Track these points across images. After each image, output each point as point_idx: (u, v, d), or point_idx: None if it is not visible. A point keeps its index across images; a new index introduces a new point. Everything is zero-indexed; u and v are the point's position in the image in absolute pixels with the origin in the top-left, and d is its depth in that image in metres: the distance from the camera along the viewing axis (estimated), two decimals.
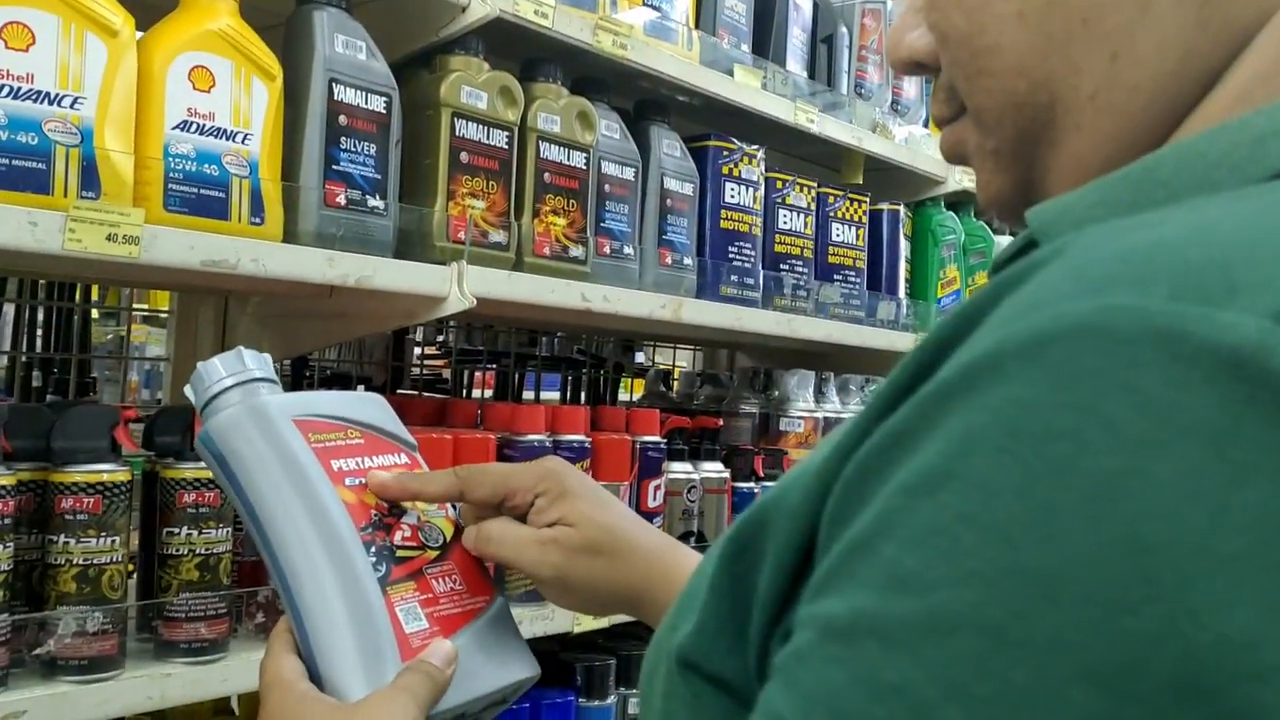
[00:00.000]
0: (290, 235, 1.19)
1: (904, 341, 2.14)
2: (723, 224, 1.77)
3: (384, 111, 1.27)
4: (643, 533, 0.80)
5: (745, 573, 0.44)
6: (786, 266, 1.91)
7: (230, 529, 1.16)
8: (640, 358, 2.77)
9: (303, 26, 1.23)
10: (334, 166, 1.23)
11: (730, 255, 1.77)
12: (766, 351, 2.40)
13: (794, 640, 0.37)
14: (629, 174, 1.61)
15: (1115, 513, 0.31)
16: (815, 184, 1.98)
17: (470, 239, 1.35)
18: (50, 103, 0.99)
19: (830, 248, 2.02)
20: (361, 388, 2.11)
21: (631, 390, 2.62)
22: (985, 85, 0.49)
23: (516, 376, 2.35)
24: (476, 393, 2.44)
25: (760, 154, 1.83)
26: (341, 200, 1.23)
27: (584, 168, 1.53)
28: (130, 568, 1.14)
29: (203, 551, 1.13)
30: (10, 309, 1.98)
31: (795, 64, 1.93)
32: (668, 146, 1.69)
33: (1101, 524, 0.31)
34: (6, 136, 0.97)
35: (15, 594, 1.03)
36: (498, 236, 1.40)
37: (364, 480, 0.76)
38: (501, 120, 1.41)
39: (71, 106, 1.00)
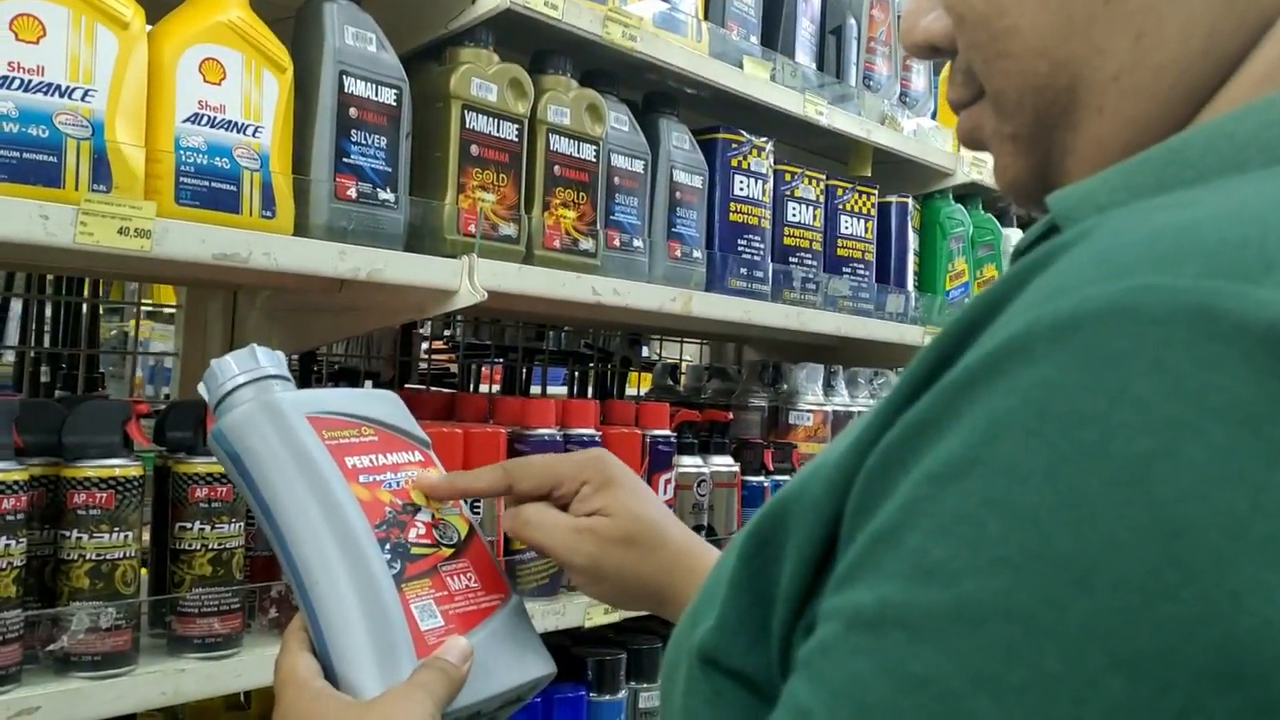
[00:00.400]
0: (301, 228, 1.18)
1: (912, 334, 2.13)
2: (732, 217, 1.77)
3: (394, 104, 1.27)
4: (674, 528, 0.80)
5: (766, 567, 0.43)
6: (795, 259, 1.90)
7: (243, 524, 1.16)
8: (644, 352, 2.76)
9: (313, 18, 1.23)
10: (345, 159, 1.22)
11: (739, 248, 1.77)
12: (774, 345, 2.39)
13: (818, 633, 0.37)
14: (638, 167, 1.60)
15: (1148, 496, 0.31)
16: (824, 176, 1.97)
17: (481, 232, 1.35)
18: (61, 95, 0.99)
19: (839, 240, 2.01)
20: (369, 383, 2.11)
21: (639, 385, 2.62)
22: (1004, 68, 0.48)
23: (524, 371, 2.34)
24: (484, 388, 2.43)
25: (769, 146, 1.82)
26: (352, 193, 1.22)
27: (594, 160, 1.52)
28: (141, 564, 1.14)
29: (215, 546, 1.13)
30: (18, 304, 1.98)
31: (804, 56, 1.92)
32: (677, 139, 1.68)
33: (1134, 507, 0.31)
34: (17, 129, 0.96)
35: (28, 590, 1.02)
36: (508, 229, 1.39)
37: (378, 477, 0.75)
38: (511, 113, 1.40)
39: (82, 99, 1.00)
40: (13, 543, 0.98)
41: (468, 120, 1.35)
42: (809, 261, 1.92)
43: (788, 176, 1.89)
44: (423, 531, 0.75)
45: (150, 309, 2.67)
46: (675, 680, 0.50)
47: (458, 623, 0.72)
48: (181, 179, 1.07)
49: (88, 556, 1.04)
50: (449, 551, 0.76)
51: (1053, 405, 0.32)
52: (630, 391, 2.57)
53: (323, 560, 0.71)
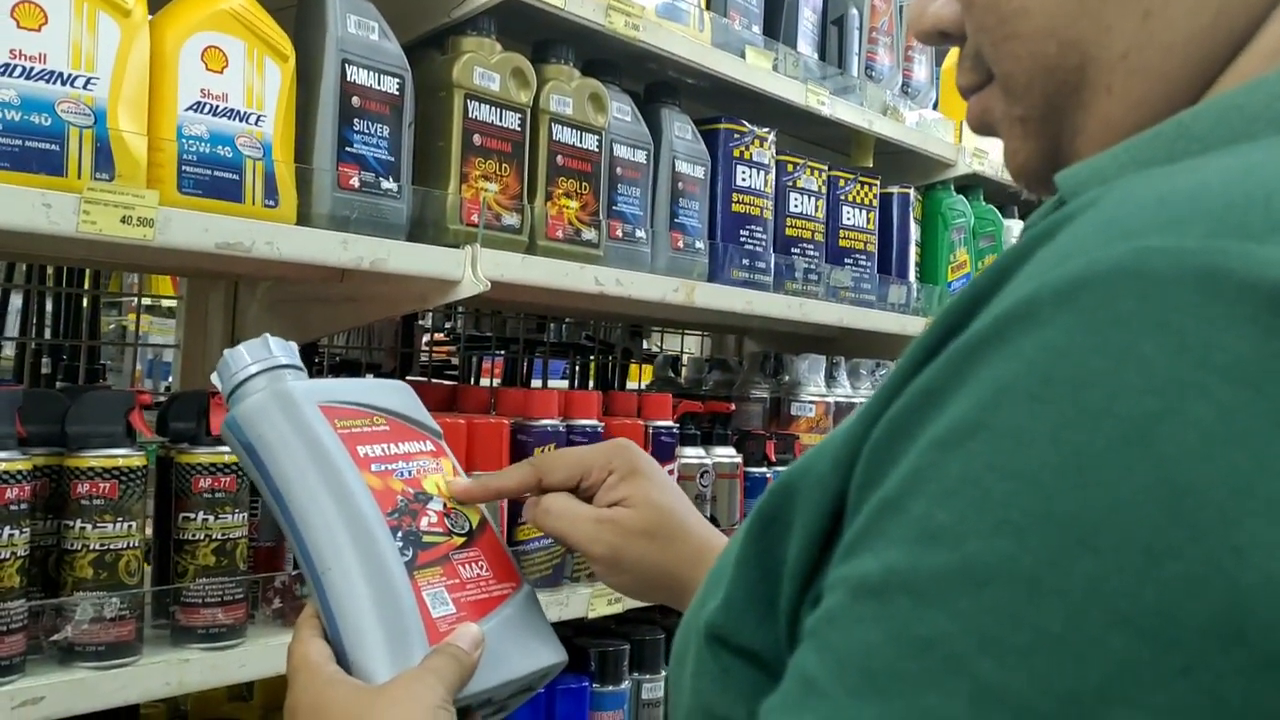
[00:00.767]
0: (304, 218, 1.18)
1: (914, 325, 2.13)
2: (734, 207, 1.76)
3: (397, 93, 1.26)
4: (694, 520, 0.81)
5: (773, 544, 0.44)
6: (798, 250, 1.90)
7: (246, 514, 1.15)
8: (645, 344, 2.76)
9: (315, 7, 1.22)
10: (347, 148, 1.22)
11: (742, 239, 1.76)
12: (774, 336, 2.39)
13: (825, 603, 0.37)
14: (641, 157, 1.60)
15: (1153, 455, 0.31)
16: (826, 167, 1.97)
17: (484, 222, 1.34)
18: (63, 83, 0.98)
19: (841, 231, 2.01)
20: (370, 375, 2.11)
21: (640, 377, 2.61)
22: (1013, 50, 0.48)
23: (525, 362, 2.34)
24: (485, 380, 2.43)
25: (771, 137, 1.82)
26: (355, 183, 1.22)
27: (596, 150, 1.51)
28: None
29: (219, 536, 1.12)
30: (18, 297, 1.97)
31: (806, 46, 1.91)
32: (679, 129, 1.68)
33: (1138, 467, 0.31)
34: (19, 117, 0.96)
35: (31, 580, 1.02)
36: (510, 219, 1.39)
37: (390, 466, 0.75)
38: (514, 102, 1.40)
39: (84, 87, 0.99)
40: (16, 532, 0.98)
41: (470, 109, 1.35)
42: (811, 252, 1.92)
43: (790, 167, 1.89)
44: (434, 520, 0.75)
45: (148, 303, 2.67)
46: (684, 662, 0.50)
47: (469, 610, 0.72)
48: (184, 168, 1.07)
49: (91, 546, 1.03)
50: (461, 540, 0.76)
51: (1057, 368, 0.33)
52: (631, 384, 2.57)
53: (335, 548, 0.71)
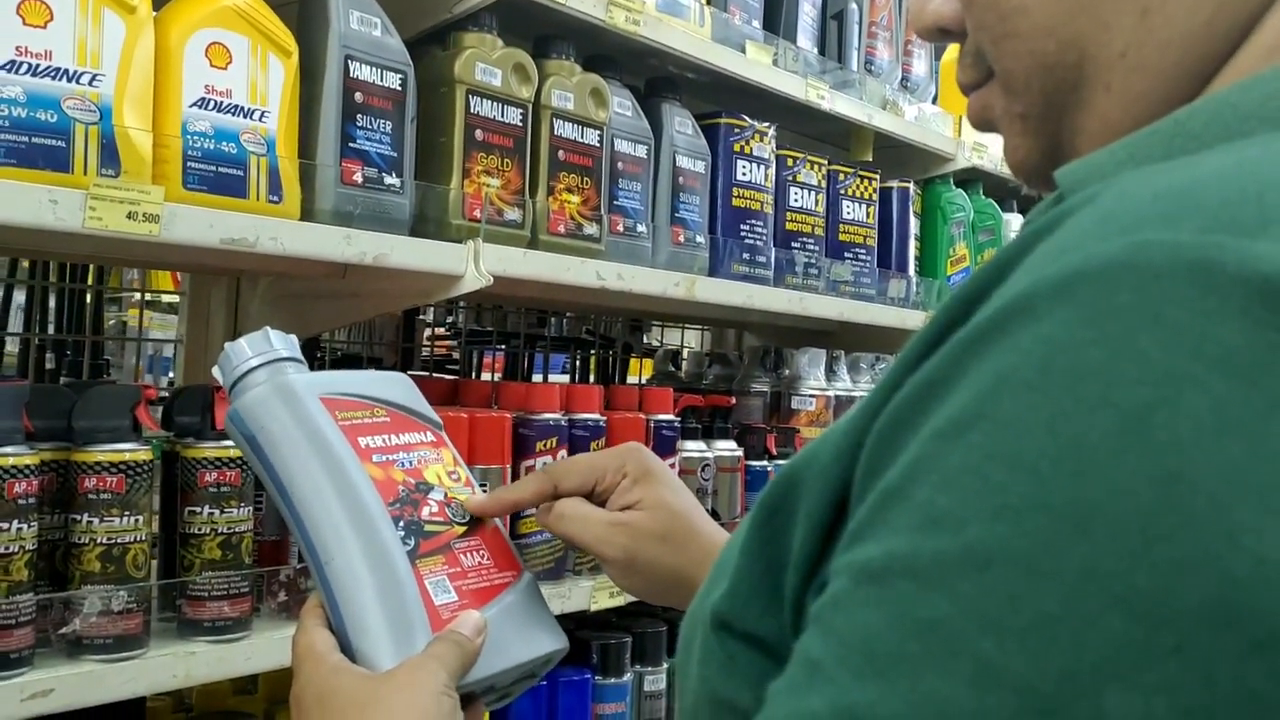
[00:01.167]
0: (307, 213, 1.18)
1: (914, 319, 2.14)
2: (734, 202, 1.77)
3: (399, 89, 1.27)
4: (706, 523, 0.81)
5: (777, 535, 0.44)
6: (798, 244, 1.90)
7: (251, 508, 1.16)
8: (645, 339, 2.76)
9: (317, 3, 1.22)
10: (350, 144, 1.22)
11: (742, 233, 1.77)
12: (774, 331, 2.40)
13: (829, 589, 0.38)
14: (642, 152, 1.60)
15: (1147, 444, 0.31)
16: (826, 162, 1.97)
17: (486, 217, 1.35)
18: (69, 80, 0.99)
19: (841, 225, 2.02)
20: (372, 369, 2.11)
21: (641, 371, 2.62)
22: (1013, 48, 0.49)
23: (526, 357, 2.35)
24: (486, 375, 2.43)
25: (771, 131, 1.82)
26: (358, 178, 1.23)
27: (597, 145, 1.52)
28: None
29: (225, 530, 1.13)
30: (21, 292, 1.98)
31: (806, 40, 1.92)
32: (679, 124, 1.68)
33: (1133, 455, 0.32)
34: (26, 114, 0.96)
35: (39, 574, 1.03)
36: (512, 214, 1.39)
37: (391, 457, 0.76)
38: (516, 97, 1.40)
39: (90, 84, 1.00)
40: (24, 527, 0.98)
41: (472, 105, 1.35)
42: (811, 246, 1.92)
43: (790, 161, 1.89)
44: (435, 510, 0.76)
45: (147, 299, 2.67)
46: (691, 649, 0.50)
47: (471, 598, 0.73)
48: (189, 164, 1.07)
49: (99, 540, 1.04)
50: (461, 529, 0.77)
51: (1055, 360, 0.33)
52: (631, 379, 2.58)
53: (338, 537, 0.72)
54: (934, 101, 2.31)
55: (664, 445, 1.62)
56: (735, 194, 1.77)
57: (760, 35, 1.79)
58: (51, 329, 1.89)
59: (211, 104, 1.09)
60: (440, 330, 2.55)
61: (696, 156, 1.70)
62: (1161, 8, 0.44)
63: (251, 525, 1.17)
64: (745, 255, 1.76)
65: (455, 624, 0.70)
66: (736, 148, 1.77)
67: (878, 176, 2.09)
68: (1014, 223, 2.51)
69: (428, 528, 0.74)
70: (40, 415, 1.04)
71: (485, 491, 0.81)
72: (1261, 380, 0.31)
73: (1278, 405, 0.31)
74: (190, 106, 1.08)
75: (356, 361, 2.09)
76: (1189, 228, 0.34)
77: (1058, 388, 0.33)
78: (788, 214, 1.89)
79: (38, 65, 0.97)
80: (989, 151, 2.34)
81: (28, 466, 0.99)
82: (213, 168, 1.09)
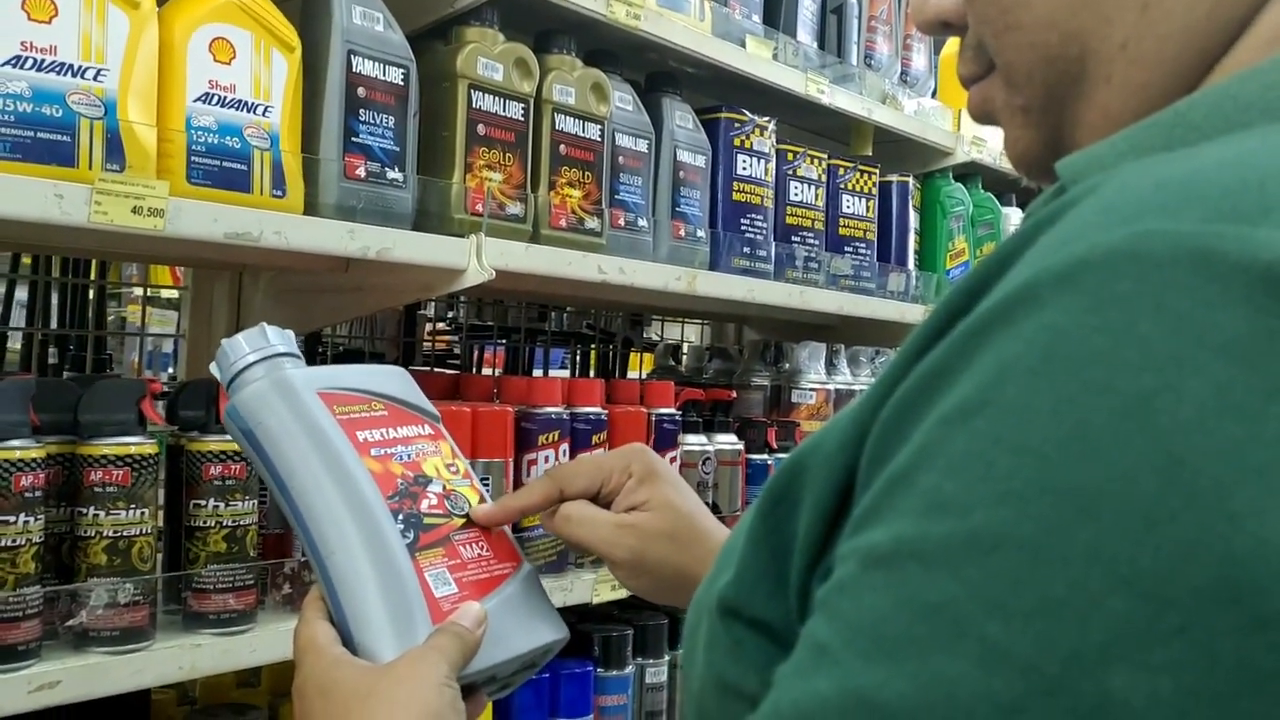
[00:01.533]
0: (310, 208, 1.19)
1: (914, 313, 2.14)
2: (735, 196, 1.77)
3: (402, 83, 1.27)
4: (710, 521, 0.82)
5: (783, 522, 0.45)
6: (798, 238, 1.91)
7: (256, 501, 1.17)
8: (644, 333, 2.77)
9: None
10: (353, 139, 1.23)
11: (742, 227, 1.77)
12: (774, 325, 2.40)
13: (835, 574, 0.38)
14: (643, 146, 1.61)
15: (1150, 428, 0.32)
16: (826, 156, 1.98)
17: (488, 211, 1.35)
18: (74, 75, 0.99)
19: (841, 220, 2.02)
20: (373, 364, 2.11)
21: (641, 366, 2.62)
22: (1014, 40, 0.49)
23: (527, 352, 2.35)
24: (487, 370, 2.44)
25: (771, 126, 1.83)
26: (361, 173, 1.23)
27: (599, 140, 1.52)
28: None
29: (230, 523, 1.14)
30: (24, 289, 1.98)
31: (806, 35, 1.92)
32: (680, 118, 1.69)
33: (1136, 439, 0.32)
34: (31, 109, 0.97)
35: (45, 566, 1.03)
36: (514, 209, 1.40)
37: (389, 450, 0.76)
38: (517, 92, 1.40)
39: (95, 79, 1.00)
40: (31, 519, 0.99)
41: (474, 100, 1.36)
42: (811, 240, 1.93)
43: (790, 156, 1.90)
44: (434, 502, 0.76)
45: (149, 295, 2.67)
46: (697, 635, 0.51)
47: (471, 590, 0.74)
48: (193, 158, 1.08)
49: (105, 533, 1.05)
50: (461, 521, 0.77)
51: (1058, 347, 0.34)
52: (632, 373, 2.58)
53: (338, 531, 0.72)
54: (933, 96, 2.32)
55: (665, 439, 1.63)
56: (736, 188, 1.77)
57: (760, 29, 1.80)
58: (54, 324, 1.90)
59: (215, 99, 1.10)
60: (441, 325, 2.56)
61: (697, 151, 1.71)
62: (1161, 2, 0.45)
63: (256, 518, 1.17)
64: (746, 249, 1.77)
65: (456, 616, 0.71)
66: (737, 142, 1.77)
67: (877, 171, 2.09)
68: (1013, 217, 2.51)
69: (427, 520, 0.75)
70: (46, 409, 1.05)
71: (484, 484, 0.82)
72: (1262, 365, 0.32)
73: (1279, 390, 0.32)
74: (194, 101, 1.08)
75: (358, 356, 2.09)
76: (1190, 217, 0.34)
77: (1061, 374, 0.34)
78: (788, 208, 1.90)
79: (43, 60, 0.97)
80: (988, 146, 2.35)
81: (34, 460, 0.99)
82: (217, 162, 1.09)
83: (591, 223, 1.50)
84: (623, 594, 1.55)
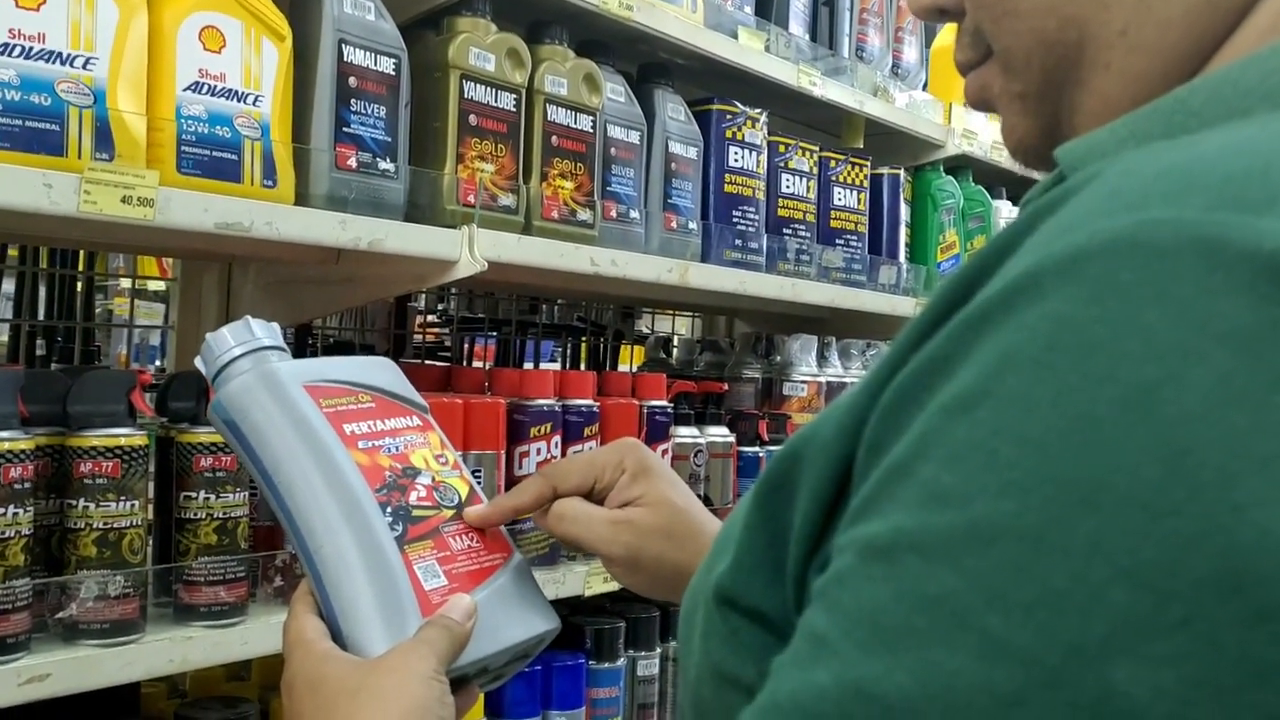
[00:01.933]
0: (301, 198, 1.18)
1: (905, 306, 2.14)
2: (726, 188, 1.77)
3: (393, 73, 1.26)
4: (705, 516, 0.81)
5: (779, 510, 0.44)
6: (789, 231, 1.90)
7: (247, 493, 1.16)
8: (635, 326, 2.77)
9: None
10: (344, 129, 1.22)
11: (734, 219, 1.77)
12: (764, 317, 2.40)
13: (833, 565, 0.38)
14: (634, 138, 1.60)
15: (1153, 418, 0.32)
16: (817, 148, 1.97)
17: (480, 202, 1.35)
18: (62, 63, 0.98)
19: (832, 212, 2.02)
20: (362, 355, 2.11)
21: (632, 359, 2.62)
22: (1013, 26, 0.49)
23: (517, 344, 2.35)
24: (478, 363, 2.43)
25: (763, 118, 1.82)
26: (353, 163, 1.22)
27: (591, 131, 1.52)
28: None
29: (221, 515, 1.13)
30: (11, 280, 1.97)
31: (798, 26, 1.92)
32: (672, 110, 1.68)
33: (1140, 429, 0.32)
34: (19, 97, 0.96)
35: (35, 559, 1.02)
36: (506, 200, 1.39)
37: (377, 443, 0.76)
38: (509, 83, 1.40)
39: (84, 67, 0.99)
40: (20, 511, 0.98)
41: (466, 90, 1.35)
42: (803, 233, 1.93)
43: (781, 148, 1.90)
44: (423, 494, 0.76)
45: (137, 288, 2.66)
46: (693, 624, 0.51)
47: (461, 582, 0.73)
48: (183, 148, 1.07)
49: (94, 525, 1.04)
50: (450, 513, 0.76)
51: (1061, 337, 0.34)
52: (622, 366, 2.58)
53: (326, 525, 0.71)
54: (924, 88, 2.32)
55: (657, 431, 1.63)
56: (727, 180, 1.77)
57: (752, 21, 1.79)
58: (41, 315, 1.89)
59: (205, 88, 1.09)
60: (432, 318, 2.55)
61: (689, 143, 1.70)
62: None
63: (247, 510, 1.17)
64: (737, 241, 1.76)
65: (445, 608, 0.70)
66: (729, 134, 1.77)
67: (869, 163, 2.09)
68: (1003, 210, 2.52)
69: (415, 513, 0.74)
70: (35, 400, 1.04)
71: (475, 476, 0.81)
72: (1267, 355, 0.32)
73: None
74: (184, 90, 1.07)
75: (348, 349, 2.08)
76: (1194, 205, 0.34)
77: (1064, 364, 0.33)
78: (779, 200, 1.89)
79: (31, 48, 0.96)
80: (978, 138, 2.35)
81: (23, 451, 0.99)
82: (207, 152, 1.09)
83: (584, 214, 1.50)
84: (614, 587, 1.55)
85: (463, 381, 1.61)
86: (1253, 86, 0.41)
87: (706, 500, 1.74)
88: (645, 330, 2.70)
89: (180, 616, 1.12)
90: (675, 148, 1.68)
